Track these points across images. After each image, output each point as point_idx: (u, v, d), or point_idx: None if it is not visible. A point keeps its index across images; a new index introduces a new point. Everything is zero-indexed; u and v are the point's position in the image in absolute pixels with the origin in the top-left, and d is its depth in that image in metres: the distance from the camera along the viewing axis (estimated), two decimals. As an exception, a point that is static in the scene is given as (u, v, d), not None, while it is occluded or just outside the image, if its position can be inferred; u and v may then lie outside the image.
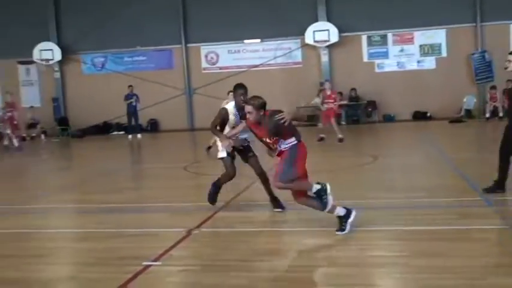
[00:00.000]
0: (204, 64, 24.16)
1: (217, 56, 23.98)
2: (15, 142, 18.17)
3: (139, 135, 20.89)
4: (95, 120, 24.06)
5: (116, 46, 24.40)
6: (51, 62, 24.35)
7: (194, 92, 24.07)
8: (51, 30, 24.66)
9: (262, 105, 5.92)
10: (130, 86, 21.18)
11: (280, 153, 5.87)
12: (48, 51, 24.10)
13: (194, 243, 5.89)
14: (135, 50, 24.39)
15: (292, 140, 5.79)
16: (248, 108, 5.91)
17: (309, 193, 5.85)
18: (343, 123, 21.69)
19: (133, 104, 20.78)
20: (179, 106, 23.99)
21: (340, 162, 11.95)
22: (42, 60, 24.20)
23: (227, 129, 7.00)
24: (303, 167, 5.86)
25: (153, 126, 24.41)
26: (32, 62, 24.74)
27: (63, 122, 24.64)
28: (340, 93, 21.65)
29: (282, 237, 6.25)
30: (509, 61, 6.98)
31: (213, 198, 7.33)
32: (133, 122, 21.09)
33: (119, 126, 23.94)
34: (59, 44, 24.42)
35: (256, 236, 6.11)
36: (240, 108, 6.75)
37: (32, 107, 24.02)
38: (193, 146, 19.16)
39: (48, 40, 24.39)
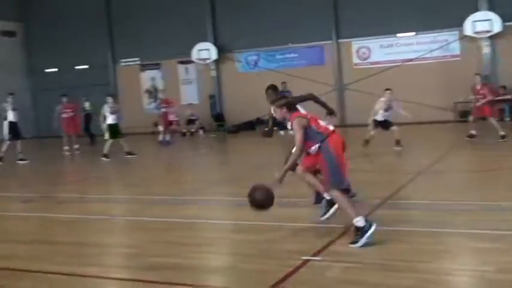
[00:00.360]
0: (355, 59, 23.85)
1: (369, 50, 23.53)
2: (167, 137, 19.41)
3: (291, 132, 21.16)
4: (249, 116, 24.83)
5: (268, 44, 24.96)
6: (208, 61, 25.60)
7: (345, 88, 23.87)
8: (208, 31, 25.91)
9: (284, 104, 6.07)
10: (284, 82, 21.53)
11: (316, 157, 5.85)
12: (205, 51, 25.36)
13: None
14: (287, 48, 24.77)
15: (316, 145, 5.76)
16: (272, 107, 6.10)
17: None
18: (507, 119, 20.17)
19: (286, 100, 21.11)
20: (330, 102, 23.76)
21: (502, 162, 11.11)
22: (200, 59, 25.53)
23: None
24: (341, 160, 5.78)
25: None
26: (190, 62, 26.20)
27: (219, 118, 25.80)
28: (504, 87, 20.13)
29: (443, 238, 5.93)
30: None
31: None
32: (285, 118, 21.41)
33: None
34: (215, 44, 25.58)
35: (415, 236, 5.87)
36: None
37: (190, 104, 25.41)
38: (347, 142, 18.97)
39: (206, 40, 25.65)
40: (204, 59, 25.48)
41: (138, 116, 27.49)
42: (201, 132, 24.18)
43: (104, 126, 15.56)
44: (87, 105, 22.22)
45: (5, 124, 15.83)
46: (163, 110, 20.06)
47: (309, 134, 5.78)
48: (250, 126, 24.85)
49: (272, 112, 7.04)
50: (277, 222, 6.68)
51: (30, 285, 4.95)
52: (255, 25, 24.62)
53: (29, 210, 8.65)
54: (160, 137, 19.53)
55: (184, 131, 24.04)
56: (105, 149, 15.21)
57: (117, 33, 28.23)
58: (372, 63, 23.38)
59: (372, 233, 5.41)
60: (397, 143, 13.30)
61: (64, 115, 18.54)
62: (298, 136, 5.76)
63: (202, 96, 26.57)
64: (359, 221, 5.49)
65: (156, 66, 27.59)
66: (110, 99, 15.79)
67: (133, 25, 27.21)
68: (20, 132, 16.05)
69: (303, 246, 5.54)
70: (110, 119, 15.48)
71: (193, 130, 24.02)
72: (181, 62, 26.79)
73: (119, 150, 15.41)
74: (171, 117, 20.72)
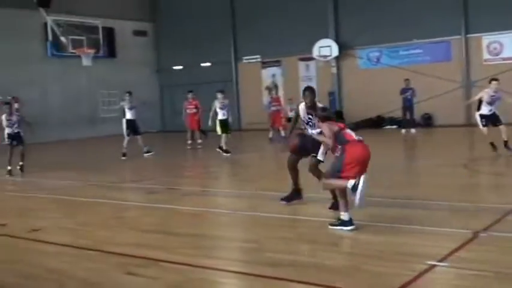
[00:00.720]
0: (485, 55, 22.51)
1: (501, 45, 22.09)
2: (282, 133, 19.64)
3: (413, 130, 20.45)
4: (368, 113, 24.34)
5: (391, 40, 24.27)
6: (329, 58, 25.41)
7: (473, 84, 22.59)
8: (330, 28, 25.71)
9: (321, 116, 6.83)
10: (407, 79, 20.86)
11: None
12: (326, 47, 25.19)
13: (482, 247, 5.45)
14: (411, 43, 23.92)
15: (339, 149, 6.43)
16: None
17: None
18: None
19: (409, 97, 20.47)
20: (456, 100, 22.79)
21: None
22: (320, 56, 25.41)
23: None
24: (351, 168, 6.24)
25: (427, 121, 23.67)
26: (311, 59, 26.16)
27: (338, 115, 25.51)
28: None
29: None
30: None
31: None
32: (408, 116, 20.77)
33: (392, 120, 23.82)
34: (336, 41, 25.33)
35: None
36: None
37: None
38: (472, 142, 18.00)
39: (327, 37, 25.48)
40: (325, 56, 25.32)
41: (258, 112, 27.93)
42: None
43: (215, 121, 15.98)
44: None
45: (123, 121, 16.72)
46: (273, 108, 20.57)
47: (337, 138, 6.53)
48: (370, 124, 24.35)
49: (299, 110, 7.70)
50: (396, 223, 6.47)
51: (155, 273, 5.15)
52: (377, 21, 24.05)
53: (154, 201, 9.06)
54: (271, 134, 20.07)
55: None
56: (223, 144, 15.51)
57: (240, 31, 28.88)
58: (504, 59, 21.94)
59: (348, 230, 6.20)
60: (505, 144, 12.11)
61: (188, 111, 19.32)
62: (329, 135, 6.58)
63: (321, 93, 26.40)
64: (344, 215, 6.32)
65: (277, 63, 27.87)
66: (219, 95, 16.20)
67: (256, 23, 27.69)
68: (138, 128, 16.72)
69: (427, 250, 5.29)
70: (221, 114, 15.87)
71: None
72: (302, 59, 26.83)
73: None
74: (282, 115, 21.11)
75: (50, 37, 24.49)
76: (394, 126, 23.25)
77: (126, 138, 16.45)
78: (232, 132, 16.66)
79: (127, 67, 30.66)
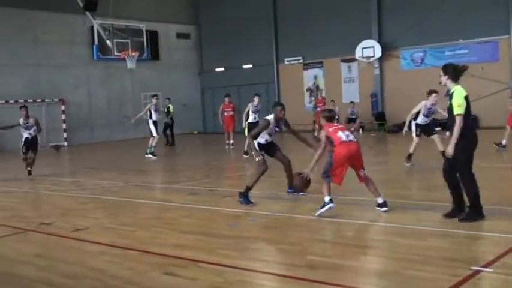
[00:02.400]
0: (534, 55, 21.87)
1: (551, 45, 21.43)
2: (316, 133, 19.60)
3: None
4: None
5: (436, 40, 23.81)
6: (371, 59, 25.13)
7: (521, 86, 21.95)
8: (373, 28, 25.42)
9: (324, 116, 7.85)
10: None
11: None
12: (369, 48, 24.92)
13: (529, 253, 5.27)
14: (457, 44, 23.41)
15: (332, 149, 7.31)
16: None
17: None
18: None
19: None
20: (503, 101, 22.14)
21: None
22: (363, 57, 25.14)
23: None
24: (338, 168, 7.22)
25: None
26: (353, 60, 25.92)
27: (380, 117, 25.20)
28: None
29: None
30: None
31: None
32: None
33: (436, 122, 23.31)
34: (379, 41, 25.02)
35: None
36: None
37: (351, 102, 25.14)
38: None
39: (370, 38, 25.19)
40: (368, 57, 25.04)
41: (299, 114, 27.83)
42: (360, 131, 23.82)
43: (245, 123, 16.19)
44: None
45: (150, 122, 17.67)
46: (318, 109, 20.48)
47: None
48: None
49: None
50: (440, 228, 6.34)
51: (194, 275, 5.17)
52: (422, 20, 23.64)
53: (195, 202, 9.12)
54: (316, 133, 19.69)
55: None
56: (246, 146, 15.57)
57: (281, 33, 28.88)
58: (554, 59, 21.27)
59: (328, 208, 7.10)
60: (443, 154, 11.57)
61: (225, 113, 19.44)
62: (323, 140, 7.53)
63: (363, 95, 26.16)
64: (326, 198, 7.19)
65: (319, 64, 27.74)
66: (256, 98, 16.45)
67: (298, 24, 27.66)
68: (158, 130, 17.92)
69: (472, 255, 5.16)
70: (251, 117, 16.08)
71: (352, 129, 23.71)
72: (344, 60, 26.62)
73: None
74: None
75: (96, 41, 25.03)
76: (438, 128, 22.73)
77: (157, 137, 17.45)
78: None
79: (170, 69, 31.09)
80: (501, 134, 20.79)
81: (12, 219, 8.63)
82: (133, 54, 24.33)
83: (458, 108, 6.41)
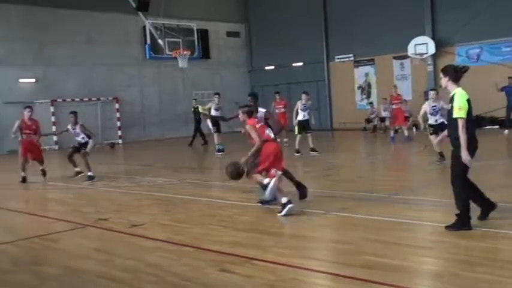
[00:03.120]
0: None
1: None
2: (406, 133, 19.42)
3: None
4: (467, 113, 23.33)
5: (492, 36, 23.12)
6: (425, 56, 24.62)
7: None
8: (426, 25, 24.90)
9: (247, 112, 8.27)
10: (511, 77, 19.80)
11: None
12: (422, 45, 24.40)
13: None
14: (515, 39, 22.69)
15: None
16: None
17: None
18: None
19: (513, 97, 19.48)
20: None
21: None
22: (416, 54, 24.66)
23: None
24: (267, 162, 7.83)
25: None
26: (406, 57, 25.46)
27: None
28: None
29: None
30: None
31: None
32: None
33: (493, 120, 22.68)
34: (433, 38, 24.48)
35: None
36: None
37: (404, 100, 24.68)
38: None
39: (423, 34, 24.68)
40: (421, 54, 24.55)
41: (350, 112, 27.64)
42: (414, 129, 23.39)
43: (295, 121, 16.21)
44: None
45: (209, 120, 18.09)
46: (394, 106, 20.02)
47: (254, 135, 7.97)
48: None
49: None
50: (497, 229, 6.16)
51: (248, 272, 5.20)
52: (477, 16, 22.98)
53: (249, 200, 9.16)
54: (392, 133, 19.53)
55: (397, 127, 23.54)
56: (297, 144, 15.91)
57: (332, 30, 28.66)
58: None
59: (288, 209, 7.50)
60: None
61: (277, 110, 19.41)
62: (255, 136, 7.95)
63: (416, 92, 25.66)
64: (283, 199, 7.61)
65: (370, 62, 27.38)
66: (304, 96, 16.37)
67: (349, 21, 27.40)
68: (220, 127, 18.14)
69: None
70: (301, 115, 16.08)
71: (405, 127, 23.27)
72: (397, 58, 26.19)
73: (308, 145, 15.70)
74: (406, 113, 20.66)
75: (148, 40, 25.49)
76: (496, 126, 22.12)
77: (215, 135, 17.68)
78: (324, 132, 16.55)
79: (220, 68, 31.34)
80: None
81: (71, 214, 8.91)
82: (185, 53, 24.65)
83: (460, 112, 6.15)
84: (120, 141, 26.87)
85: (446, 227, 6.24)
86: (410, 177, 11.60)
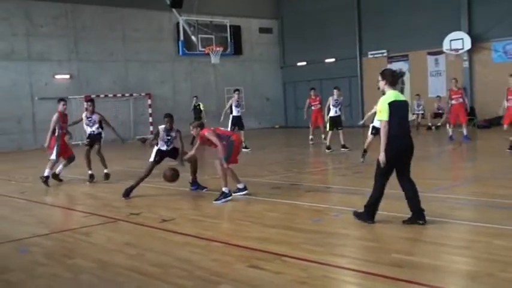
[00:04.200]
0: None
1: None
2: (450, 131, 17.92)
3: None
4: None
5: (531, 31, 22.57)
6: (460, 52, 24.16)
7: None
8: (462, 20, 24.43)
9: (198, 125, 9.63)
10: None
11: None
12: (458, 40, 23.98)
13: None
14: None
15: (228, 143, 9.10)
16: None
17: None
18: None
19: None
20: None
21: None
22: (451, 50, 24.23)
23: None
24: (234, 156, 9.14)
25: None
26: (441, 53, 25.04)
27: (470, 111, 24.16)
28: None
29: None
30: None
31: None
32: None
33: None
34: (469, 33, 24.01)
35: None
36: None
37: (438, 96, 24.31)
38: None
39: (459, 30, 24.23)
40: (456, 49, 24.10)
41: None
42: (447, 126, 23.00)
43: (327, 117, 16.24)
44: None
45: (230, 117, 17.73)
46: (453, 102, 17.80)
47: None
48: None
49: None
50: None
51: (279, 268, 5.18)
52: (515, 10, 22.46)
53: (278, 196, 9.15)
54: (450, 132, 18.07)
55: (430, 124, 23.20)
56: (328, 141, 16.00)
57: (365, 25, 28.39)
58: None
59: (228, 200, 8.68)
60: None
61: (313, 107, 19.28)
62: (215, 140, 9.00)
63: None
64: (225, 189, 8.79)
65: (404, 57, 27.02)
66: (335, 92, 16.28)
67: (382, 16, 27.08)
68: (243, 124, 17.77)
69: None
70: (333, 111, 16.06)
71: (439, 124, 22.92)
72: (431, 53, 25.77)
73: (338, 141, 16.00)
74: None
75: (182, 36, 25.64)
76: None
77: (241, 132, 17.11)
78: (356, 128, 16.39)
79: (252, 64, 31.37)
80: None
81: (103, 208, 9.03)
82: (217, 49, 24.69)
83: (379, 114, 6.52)
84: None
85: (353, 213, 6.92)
86: (435, 174, 11.37)
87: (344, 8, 28.83)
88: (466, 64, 24.61)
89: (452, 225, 6.64)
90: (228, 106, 18.26)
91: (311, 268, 5.15)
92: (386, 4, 27.08)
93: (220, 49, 24.76)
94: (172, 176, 9.58)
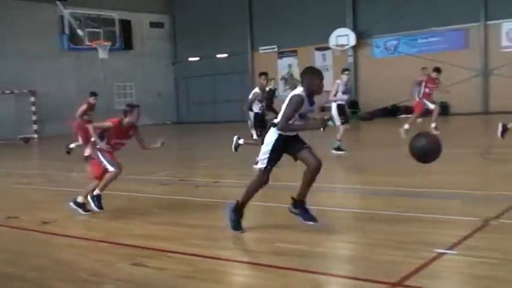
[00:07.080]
0: (504, 42, 22.14)
1: (522, 32, 21.74)
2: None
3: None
4: (384, 103, 24.13)
5: (409, 28, 24.00)
6: (346, 47, 25.20)
7: (491, 73, 22.26)
8: (347, 17, 25.49)
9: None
10: (424, 68, 20.53)
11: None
12: (343, 37, 25.01)
13: (492, 235, 5.39)
14: (429, 31, 23.61)
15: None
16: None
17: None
18: None
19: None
20: (472, 88, 22.47)
21: None
22: (337, 45, 25.21)
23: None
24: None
25: (444, 110, 23.33)
26: (327, 48, 25.97)
27: (353, 105, 25.30)
28: None
29: None
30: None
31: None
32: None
33: (407, 109, 23.55)
34: (354, 30, 25.10)
35: None
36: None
37: (325, 91, 25.19)
38: (488, 130, 17.71)
39: (345, 26, 25.25)
40: (342, 45, 25.11)
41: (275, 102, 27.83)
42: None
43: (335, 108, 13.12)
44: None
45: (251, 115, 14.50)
46: (427, 90, 15.80)
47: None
48: (386, 113, 24.14)
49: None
50: (408, 212, 6.44)
51: (163, 264, 5.14)
52: (396, 9, 23.77)
53: (165, 193, 9.07)
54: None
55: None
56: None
57: (256, 21, 28.83)
58: (524, 46, 21.61)
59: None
60: None
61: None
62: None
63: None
64: (80, 199, 7.57)
65: (293, 53, 27.73)
66: (345, 76, 13.19)
67: (272, 13, 27.65)
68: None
69: (436, 239, 5.24)
70: (340, 99, 12.95)
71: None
72: (319, 49, 26.66)
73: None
74: None
75: (67, 30, 24.66)
76: (410, 116, 22.95)
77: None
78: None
79: (143, 59, 30.83)
80: (472, 120, 21.15)
81: None
82: (105, 43, 24.05)
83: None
84: (35, 135, 25.85)
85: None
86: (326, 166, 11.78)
87: (236, 3, 29.09)
88: (350, 59, 25.72)
89: (330, 213, 6.91)
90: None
91: (198, 262, 5.15)
92: (277, 0, 27.62)
93: (108, 44, 24.14)
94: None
